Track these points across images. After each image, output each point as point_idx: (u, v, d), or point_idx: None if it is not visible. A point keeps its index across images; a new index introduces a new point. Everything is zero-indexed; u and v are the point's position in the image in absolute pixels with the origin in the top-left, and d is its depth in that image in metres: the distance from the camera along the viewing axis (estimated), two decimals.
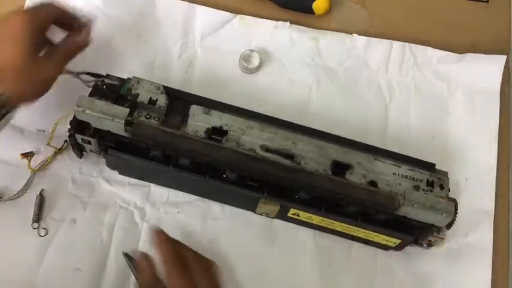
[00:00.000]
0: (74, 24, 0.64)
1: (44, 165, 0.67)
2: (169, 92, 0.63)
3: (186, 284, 0.52)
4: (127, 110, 0.59)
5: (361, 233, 0.66)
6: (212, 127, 0.62)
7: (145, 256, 0.55)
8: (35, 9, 0.61)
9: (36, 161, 0.67)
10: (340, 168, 0.63)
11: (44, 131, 0.69)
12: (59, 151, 0.68)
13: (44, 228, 0.65)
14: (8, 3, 0.75)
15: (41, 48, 0.61)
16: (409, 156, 0.66)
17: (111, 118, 0.58)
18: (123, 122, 0.58)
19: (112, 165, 0.67)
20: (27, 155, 0.67)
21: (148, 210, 0.68)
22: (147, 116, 0.62)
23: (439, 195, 0.62)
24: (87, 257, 0.64)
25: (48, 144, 0.67)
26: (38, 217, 0.65)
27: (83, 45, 0.64)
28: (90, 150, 0.65)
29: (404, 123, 0.76)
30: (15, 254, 0.64)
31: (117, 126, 0.59)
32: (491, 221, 0.71)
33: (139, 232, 0.67)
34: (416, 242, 0.65)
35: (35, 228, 0.65)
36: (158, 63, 0.75)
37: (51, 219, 0.66)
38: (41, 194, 0.66)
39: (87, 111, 0.58)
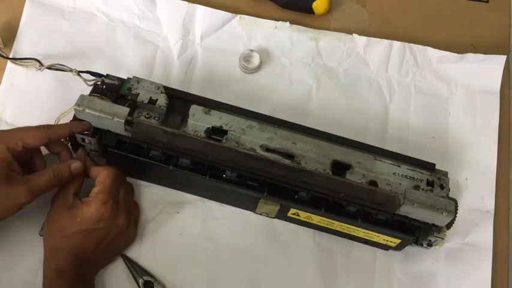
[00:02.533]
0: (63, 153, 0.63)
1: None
2: (169, 91, 0.63)
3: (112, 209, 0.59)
4: (127, 110, 0.59)
5: (361, 233, 0.65)
6: (212, 127, 0.62)
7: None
8: (6, 135, 0.58)
9: None
10: (340, 168, 0.63)
11: None
12: None
13: None
14: (7, 9, 0.75)
15: (21, 169, 0.59)
16: (409, 156, 0.66)
17: (111, 117, 0.58)
18: (123, 121, 0.58)
19: (112, 165, 0.67)
20: None
21: (148, 210, 0.68)
22: (147, 116, 0.62)
23: (439, 195, 0.62)
24: None
25: None
26: None
27: (67, 179, 0.61)
28: (90, 150, 0.65)
29: (404, 123, 0.76)
30: (15, 254, 0.64)
31: (117, 126, 0.59)
32: (491, 221, 0.71)
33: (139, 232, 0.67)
34: (417, 242, 0.65)
35: (41, 236, 0.64)
36: (158, 63, 0.75)
37: None
38: None
39: (87, 111, 0.58)
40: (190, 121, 0.62)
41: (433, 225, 0.62)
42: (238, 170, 0.60)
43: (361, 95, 0.77)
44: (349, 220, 0.63)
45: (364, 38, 0.78)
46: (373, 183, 0.62)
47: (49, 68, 0.69)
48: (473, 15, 0.83)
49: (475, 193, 0.73)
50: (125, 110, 0.59)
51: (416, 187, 0.63)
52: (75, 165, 0.61)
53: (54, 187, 0.61)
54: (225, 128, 0.62)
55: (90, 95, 0.62)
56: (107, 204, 0.59)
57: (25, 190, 0.57)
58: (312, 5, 0.78)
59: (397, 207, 0.60)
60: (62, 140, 0.63)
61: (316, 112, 0.75)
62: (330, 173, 0.62)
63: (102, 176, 0.60)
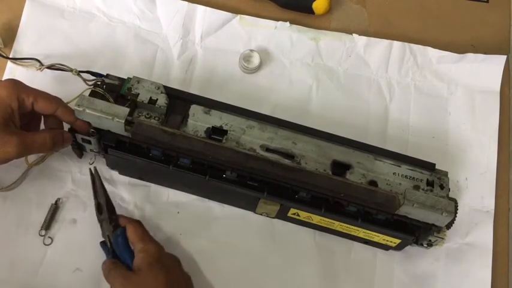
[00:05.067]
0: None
1: (41, 160, 0.66)
2: (170, 91, 0.63)
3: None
4: (127, 110, 0.59)
5: (361, 233, 0.65)
6: (212, 127, 0.62)
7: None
8: (22, 87, 0.59)
9: (35, 157, 0.67)
10: (340, 168, 0.63)
11: None
12: None
13: (50, 238, 0.65)
14: (7, 9, 0.75)
15: (19, 123, 0.59)
16: (409, 156, 0.66)
17: (111, 117, 0.58)
18: (123, 121, 0.58)
19: (112, 165, 0.67)
20: None
21: (148, 210, 0.68)
22: (147, 116, 0.62)
23: (439, 195, 0.62)
24: (87, 257, 0.64)
25: None
26: (48, 225, 0.65)
27: (59, 146, 0.62)
28: (90, 150, 0.65)
29: (404, 123, 0.76)
30: (15, 254, 0.64)
31: (117, 126, 0.59)
32: (491, 221, 0.71)
33: None
34: (417, 242, 0.65)
35: (41, 236, 0.65)
36: (158, 63, 0.75)
37: (52, 220, 0.66)
38: (56, 203, 0.66)
39: (88, 111, 0.58)
40: (190, 121, 0.62)
41: (433, 225, 0.62)
42: (239, 170, 0.60)
43: (361, 95, 0.77)
44: (349, 220, 0.63)
45: (364, 38, 0.78)
46: (373, 183, 0.62)
47: (49, 68, 0.69)
48: (473, 15, 0.83)
49: (475, 193, 0.73)
50: (124, 110, 0.59)
51: (416, 187, 0.63)
52: (67, 135, 0.62)
53: (47, 150, 0.61)
54: (225, 128, 0.62)
55: (90, 95, 0.62)
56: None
57: (17, 141, 0.57)
58: (312, 5, 0.78)
59: (397, 207, 0.60)
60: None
61: (316, 112, 0.75)
62: (330, 173, 0.62)
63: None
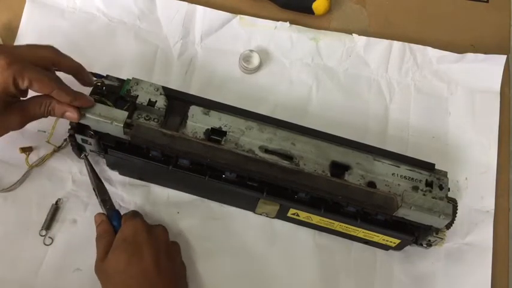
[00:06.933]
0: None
1: (42, 161, 0.67)
2: (169, 92, 0.63)
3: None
4: (126, 113, 0.59)
5: (361, 233, 0.66)
6: (211, 128, 0.62)
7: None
8: (17, 67, 0.55)
9: (35, 159, 0.68)
10: (339, 169, 0.62)
11: (45, 132, 0.69)
12: (57, 149, 0.68)
13: (50, 238, 0.65)
14: (7, 9, 0.75)
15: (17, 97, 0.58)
16: (408, 157, 0.65)
17: (110, 121, 0.58)
18: (122, 125, 0.58)
19: (112, 166, 0.67)
20: (26, 150, 0.68)
21: (149, 210, 0.68)
22: (146, 118, 0.61)
23: (438, 196, 0.62)
24: (87, 257, 0.64)
25: (48, 142, 0.66)
26: (48, 225, 0.66)
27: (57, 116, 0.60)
28: (90, 151, 0.65)
29: (405, 123, 0.76)
30: (15, 254, 0.64)
31: (116, 129, 0.59)
32: (491, 221, 0.71)
33: None
34: (416, 242, 0.65)
35: (42, 236, 0.65)
36: (158, 64, 0.75)
37: (52, 220, 0.66)
38: (56, 203, 0.67)
39: (87, 115, 0.58)
40: (189, 122, 0.62)
41: (432, 226, 0.62)
42: (238, 172, 0.60)
43: (361, 95, 0.77)
44: (349, 220, 0.63)
45: (364, 38, 0.78)
46: (372, 184, 0.62)
47: None
48: (473, 15, 0.83)
49: (475, 193, 0.73)
50: (123, 114, 0.59)
51: (415, 188, 0.62)
52: (70, 115, 0.59)
53: (42, 117, 0.60)
54: (224, 129, 0.62)
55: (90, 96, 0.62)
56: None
57: (19, 120, 0.58)
58: (312, 5, 0.78)
59: (395, 209, 0.60)
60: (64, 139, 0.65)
61: (316, 112, 0.75)
62: (329, 174, 0.62)
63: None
